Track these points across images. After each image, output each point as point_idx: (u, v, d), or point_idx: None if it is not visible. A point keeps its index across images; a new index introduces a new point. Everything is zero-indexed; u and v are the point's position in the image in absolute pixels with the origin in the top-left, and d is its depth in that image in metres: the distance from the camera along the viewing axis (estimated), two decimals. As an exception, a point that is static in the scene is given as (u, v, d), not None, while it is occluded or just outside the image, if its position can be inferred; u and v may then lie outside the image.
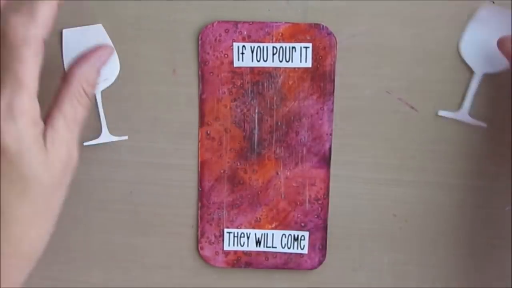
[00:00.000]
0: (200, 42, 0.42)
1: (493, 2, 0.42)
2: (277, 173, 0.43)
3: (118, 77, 0.44)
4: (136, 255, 0.47)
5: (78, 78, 0.36)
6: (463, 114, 0.43)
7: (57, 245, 0.46)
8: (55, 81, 0.44)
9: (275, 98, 0.42)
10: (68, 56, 0.43)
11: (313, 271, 0.45)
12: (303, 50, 0.42)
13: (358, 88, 0.43)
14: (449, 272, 0.46)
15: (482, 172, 0.44)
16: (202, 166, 0.44)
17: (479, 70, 0.42)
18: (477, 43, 0.42)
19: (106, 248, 0.47)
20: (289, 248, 0.44)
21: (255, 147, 0.42)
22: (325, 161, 0.43)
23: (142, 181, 0.45)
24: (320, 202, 0.43)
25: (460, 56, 0.42)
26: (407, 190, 0.44)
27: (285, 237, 0.44)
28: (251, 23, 0.42)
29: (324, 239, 0.44)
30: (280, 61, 0.42)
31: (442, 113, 0.43)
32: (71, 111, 0.36)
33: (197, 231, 0.45)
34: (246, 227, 0.44)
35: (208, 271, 0.46)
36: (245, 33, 0.42)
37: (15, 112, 0.33)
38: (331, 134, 0.43)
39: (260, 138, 0.43)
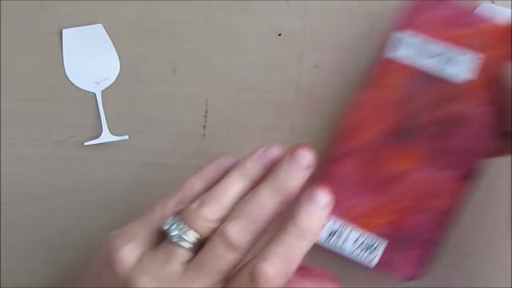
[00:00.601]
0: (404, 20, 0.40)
1: (493, 2, 0.42)
2: (414, 170, 0.40)
3: (118, 77, 0.44)
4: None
5: None
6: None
7: (57, 245, 0.47)
8: (55, 81, 0.44)
9: (447, 94, 0.39)
10: (68, 56, 0.43)
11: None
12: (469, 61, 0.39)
13: (358, 88, 0.43)
14: (449, 272, 0.46)
15: (482, 172, 0.44)
16: (344, 131, 0.41)
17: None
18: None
19: (106, 248, 0.47)
20: (358, 256, 0.41)
21: (405, 134, 0.40)
22: (467, 178, 0.40)
23: (142, 181, 0.45)
24: (444, 216, 0.40)
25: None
26: (407, 190, 0.44)
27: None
28: (456, 7, 0.39)
29: (430, 255, 0.40)
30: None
31: None
32: None
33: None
34: (357, 212, 0.40)
35: None
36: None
37: None
38: (484, 152, 0.39)
39: (413, 128, 0.40)
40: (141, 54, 0.43)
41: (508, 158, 0.44)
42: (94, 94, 0.44)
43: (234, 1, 0.42)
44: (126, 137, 0.44)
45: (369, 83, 0.40)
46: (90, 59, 0.43)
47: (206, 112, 0.44)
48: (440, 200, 0.39)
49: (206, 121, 0.44)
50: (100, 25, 0.43)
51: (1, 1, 0.43)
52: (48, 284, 0.47)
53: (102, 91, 0.44)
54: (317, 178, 0.38)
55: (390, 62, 0.40)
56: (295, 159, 0.35)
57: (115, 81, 0.44)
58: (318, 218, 0.34)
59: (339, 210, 0.40)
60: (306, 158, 0.35)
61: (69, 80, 0.44)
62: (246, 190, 0.35)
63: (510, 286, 0.45)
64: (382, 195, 0.40)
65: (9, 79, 0.44)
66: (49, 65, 0.44)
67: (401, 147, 0.40)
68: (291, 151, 0.35)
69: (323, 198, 0.34)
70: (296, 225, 0.33)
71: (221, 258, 0.33)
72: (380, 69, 0.40)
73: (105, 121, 0.44)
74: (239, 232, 0.33)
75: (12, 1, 0.43)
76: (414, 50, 0.39)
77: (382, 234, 0.40)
